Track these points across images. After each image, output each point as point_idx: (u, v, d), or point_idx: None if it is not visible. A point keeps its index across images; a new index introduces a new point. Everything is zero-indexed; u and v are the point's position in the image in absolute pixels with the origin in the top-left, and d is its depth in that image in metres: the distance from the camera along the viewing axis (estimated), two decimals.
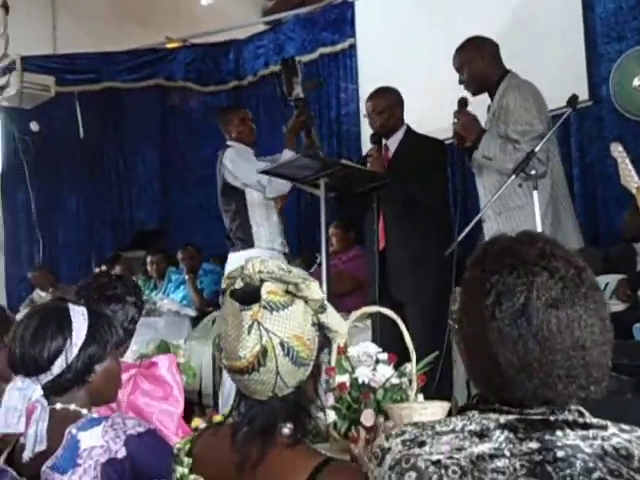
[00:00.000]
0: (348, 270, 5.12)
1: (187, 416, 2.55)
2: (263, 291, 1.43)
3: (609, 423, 1.12)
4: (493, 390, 1.15)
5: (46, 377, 1.79)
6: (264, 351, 1.39)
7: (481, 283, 1.14)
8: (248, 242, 4.53)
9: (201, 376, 4.99)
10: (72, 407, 1.82)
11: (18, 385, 1.77)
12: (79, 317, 1.85)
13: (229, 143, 4.72)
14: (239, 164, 4.49)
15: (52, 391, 1.80)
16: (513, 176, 3.14)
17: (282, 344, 1.40)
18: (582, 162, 5.16)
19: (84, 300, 2.28)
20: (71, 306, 1.89)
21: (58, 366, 1.79)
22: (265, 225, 4.54)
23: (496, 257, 1.16)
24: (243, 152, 4.62)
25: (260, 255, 4.37)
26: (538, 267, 1.12)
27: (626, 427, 1.12)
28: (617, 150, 2.97)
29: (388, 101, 4.18)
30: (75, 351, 1.80)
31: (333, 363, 2.35)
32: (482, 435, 1.11)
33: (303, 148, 4.37)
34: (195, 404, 4.86)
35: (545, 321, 1.09)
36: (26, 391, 1.76)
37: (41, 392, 1.77)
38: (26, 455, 1.72)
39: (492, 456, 1.08)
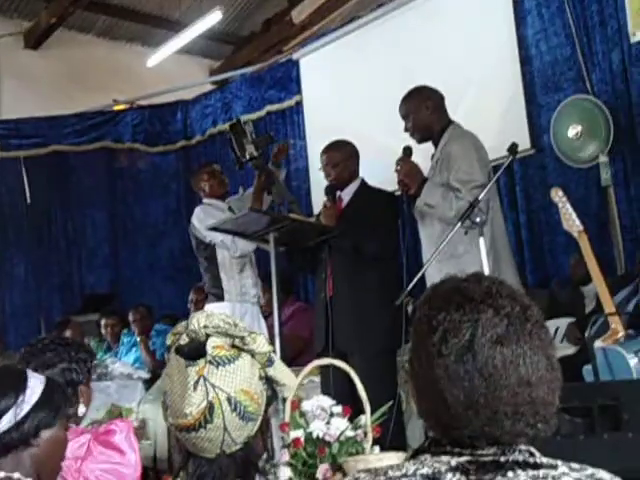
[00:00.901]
0: (291, 330, 5.07)
1: None
2: (209, 346, 1.42)
3: (559, 462, 1.12)
4: (443, 429, 1.15)
5: None
6: (211, 407, 1.37)
7: (428, 321, 1.15)
8: (219, 295, 4.64)
9: (155, 440, 4.87)
10: (15, 477, 1.76)
11: None
12: (36, 380, 1.85)
13: (204, 200, 4.85)
14: (205, 223, 4.54)
15: None
16: (459, 224, 3.18)
17: (229, 399, 1.38)
18: (528, 209, 5.25)
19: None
20: (29, 371, 1.90)
21: (6, 421, 1.75)
22: (236, 278, 4.64)
23: (443, 296, 1.17)
24: (211, 210, 4.71)
25: (229, 308, 4.43)
26: (484, 304, 1.13)
27: (576, 466, 1.12)
28: (557, 195, 3.03)
29: (342, 154, 4.22)
30: (26, 409, 1.78)
31: (287, 419, 2.32)
32: (434, 479, 1.10)
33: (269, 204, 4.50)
34: (149, 469, 4.72)
35: (490, 357, 1.09)
36: None
37: None
38: None
39: None
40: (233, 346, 1.44)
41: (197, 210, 4.77)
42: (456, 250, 3.48)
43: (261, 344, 1.44)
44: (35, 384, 1.83)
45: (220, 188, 4.84)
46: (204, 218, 4.62)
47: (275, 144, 4.79)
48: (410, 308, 3.98)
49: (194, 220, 4.72)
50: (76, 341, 2.85)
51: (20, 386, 1.80)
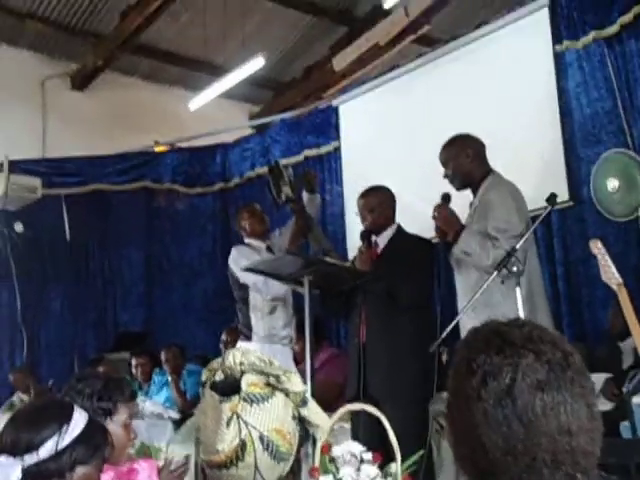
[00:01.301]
0: (327, 377, 5.02)
1: None
2: (243, 383, 1.41)
3: None
4: (480, 475, 1.12)
5: (31, 458, 1.75)
6: (243, 445, 1.35)
7: (468, 363, 1.14)
8: (249, 336, 4.72)
9: None
10: None
11: (0, 460, 1.73)
12: (81, 415, 1.87)
13: (245, 239, 4.94)
14: (239, 263, 4.61)
15: (32, 476, 1.75)
16: (495, 273, 3.16)
17: (261, 438, 1.36)
18: (566, 261, 5.18)
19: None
20: (76, 406, 1.92)
21: (47, 451, 1.76)
22: (265, 319, 4.69)
23: (484, 339, 1.17)
24: (245, 251, 4.79)
25: (258, 348, 4.43)
26: (525, 349, 1.12)
27: None
28: (596, 247, 3.00)
29: (379, 199, 4.24)
30: (67, 441, 1.79)
31: (317, 463, 2.29)
32: None
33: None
34: None
35: (530, 403, 1.08)
36: (6, 468, 1.71)
37: (20, 474, 1.72)
38: None
39: None
40: (268, 384, 1.43)
41: (233, 251, 4.85)
42: (492, 299, 3.45)
43: (296, 383, 1.44)
44: (79, 419, 1.85)
45: (260, 226, 4.91)
46: (238, 258, 4.70)
47: (302, 175, 4.84)
48: (444, 357, 3.94)
49: (229, 260, 4.81)
50: (92, 374, 2.82)
51: (64, 418, 1.82)
